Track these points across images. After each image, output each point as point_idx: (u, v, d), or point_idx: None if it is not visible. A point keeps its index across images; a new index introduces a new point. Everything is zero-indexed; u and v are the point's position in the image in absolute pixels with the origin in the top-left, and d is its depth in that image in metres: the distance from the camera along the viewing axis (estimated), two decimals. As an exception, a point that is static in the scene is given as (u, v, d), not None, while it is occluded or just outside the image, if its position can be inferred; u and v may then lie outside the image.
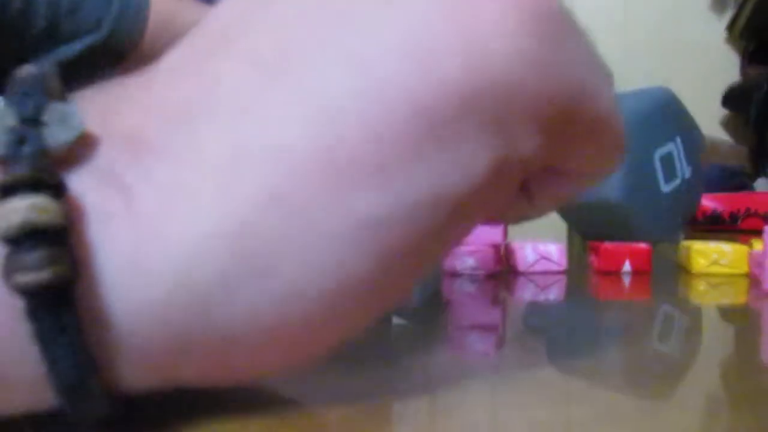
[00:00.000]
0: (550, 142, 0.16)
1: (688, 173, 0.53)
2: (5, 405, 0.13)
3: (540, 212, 0.20)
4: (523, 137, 0.15)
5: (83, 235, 0.12)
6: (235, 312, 0.13)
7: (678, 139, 0.53)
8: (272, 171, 0.13)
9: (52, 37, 0.51)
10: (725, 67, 1.61)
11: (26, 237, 0.12)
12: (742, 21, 1.49)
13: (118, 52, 0.54)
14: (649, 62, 1.55)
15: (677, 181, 0.53)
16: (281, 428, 0.14)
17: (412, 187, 0.13)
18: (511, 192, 0.16)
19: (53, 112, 0.13)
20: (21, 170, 0.12)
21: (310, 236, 0.13)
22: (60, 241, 0.12)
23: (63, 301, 0.12)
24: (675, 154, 0.52)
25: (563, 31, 0.15)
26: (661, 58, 1.59)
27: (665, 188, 0.52)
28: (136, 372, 0.13)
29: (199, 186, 0.13)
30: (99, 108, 0.14)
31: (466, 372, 0.19)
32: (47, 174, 0.12)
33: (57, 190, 0.12)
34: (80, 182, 0.12)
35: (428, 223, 0.14)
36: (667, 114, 0.53)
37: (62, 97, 0.14)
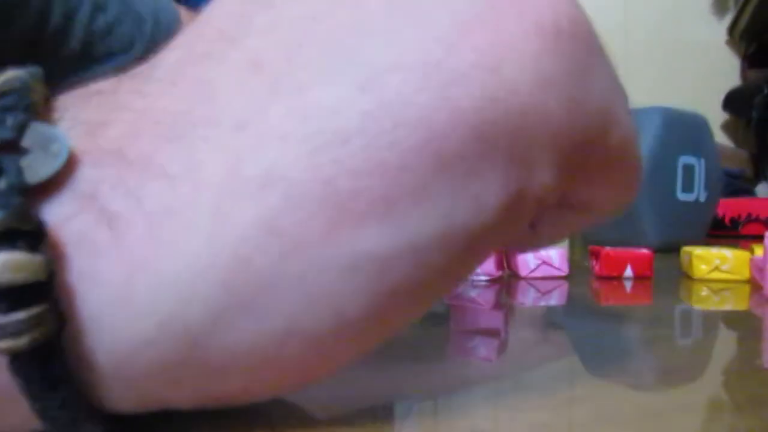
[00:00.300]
0: (567, 175, 0.14)
1: (703, 197, 0.55)
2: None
3: (546, 244, 0.19)
4: (540, 171, 0.14)
5: (66, 272, 0.11)
6: (227, 346, 0.12)
7: (702, 161, 0.55)
8: (269, 200, 0.12)
9: (85, 58, 0.51)
10: (726, 70, 1.61)
11: (1, 299, 0.11)
12: (742, 24, 1.49)
13: None
14: (649, 65, 1.55)
15: (692, 197, 0.54)
16: (282, 430, 0.14)
17: (419, 224, 0.12)
18: (523, 227, 0.15)
19: (35, 134, 0.12)
20: None
21: (309, 272, 0.12)
22: (40, 298, 0.11)
23: (49, 355, 0.11)
24: (696, 170, 0.55)
25: (588, 56, 0.14)
26: (661, 60, 1.59)
27: (681, 196, 0.54)
28: (125, 399, 0.12)
29: (193, 214, 0.12)
30: (87, 115, 0.13)
31: (468, 375, 0.19)
32: (23, 219, 0.11)
33: (35, 236, 0.11)
34: (61, 209, 0.12)
35: (435, 260, 0.13)
36: (699, 134, 0.56)
37: (46, 111, 0.13)
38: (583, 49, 0.14)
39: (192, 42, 0.14)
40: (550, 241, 0.19)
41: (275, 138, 0.12)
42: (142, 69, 0.14)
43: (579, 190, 0.16)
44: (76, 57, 0.50)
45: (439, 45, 0.13)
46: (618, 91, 0.15)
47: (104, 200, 0.12)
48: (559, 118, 0.14)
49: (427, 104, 0.12)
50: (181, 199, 0.12)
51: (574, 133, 0.14)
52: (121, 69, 0.14)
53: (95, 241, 0.11)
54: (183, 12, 0.60)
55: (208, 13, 0.15)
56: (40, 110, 0.13)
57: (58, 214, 0.12)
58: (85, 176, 0.12)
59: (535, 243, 0.19)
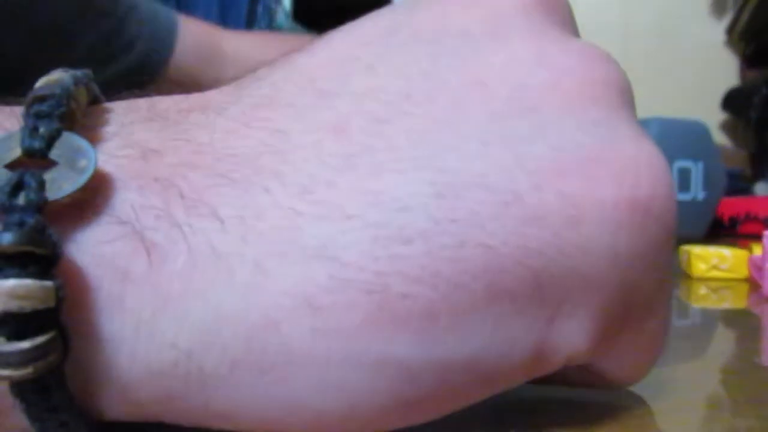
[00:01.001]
0: (599, 344, 0.14)
1: (701, 196, 0.58)
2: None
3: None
4: (578, 334, 0.13)
5: (91, 293, 0.11)
6: (235, 398, 0.12)
7: (700, 164, 0.58)
8: (315, 274, 0.11)
9: (89, 62, 0.53)
10: (725, 69, 1.61)
11: (5, 326, 0.10)
12: (741, 24, 1.49)
13: (150, 72, 0.57)
14: (648, 65, 1.55)
15: (689, 196, 0.57)
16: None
17: (453, 346, 0.12)
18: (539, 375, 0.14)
19: (65, 146, 0.11)
20: (6, 237, 0.10)
21: (333, 358, 0.12)
22: (46, 325, 0.10)
23: (52, 383, 0.11)
24: (693, 172, 0.58)
25: (663, 243, 0.14)
26: (660, 60, 1.59)
27: (677, 195, 0.56)
28: (124, 413, 0.12)
29: (235, 262, 0.11)
30: (144, 138, 0.12)
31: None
32: (38, 242, 0.10)
33: (49, 259, 0.10)
34: (95, 231, 0.11)
35: (457, 383, 0.13)
36: (696, 139, 0.59)
37: (95, 123, 0.12)
38: (661, 234, 0.13)
39: (278, 86, 0.14)
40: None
41: (340, 215, 0.12)
42: (217, 101, 0.13)
43: (598, 360, 0.15)
44: (81, 62, 0.52)
45: (528, 177, 0.12)
46: (669, 280, 0.15)
47: (146, 229, 0.11)
48: (612, 292, 0.13)
49: (497, 233, 0.12)
50: (226, 245, 0.11)
51: (620, 309, 0.14)
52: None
53: (129, 268, 0.11)
54: (192, 22, 0.61)
55: (305, 57, 0.14)
56: (79, 120, 0.12)
57: (91, 237, 0.11)
58: (128, 201, 0.12)
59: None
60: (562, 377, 0.15)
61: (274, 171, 0.12)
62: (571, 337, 0.13)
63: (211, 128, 0.13)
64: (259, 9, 1.34)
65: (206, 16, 1.25)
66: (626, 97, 0.14)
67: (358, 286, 0.11)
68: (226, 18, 1.28)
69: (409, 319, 0.12)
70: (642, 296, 0.14)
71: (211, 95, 0.14)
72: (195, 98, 0.14)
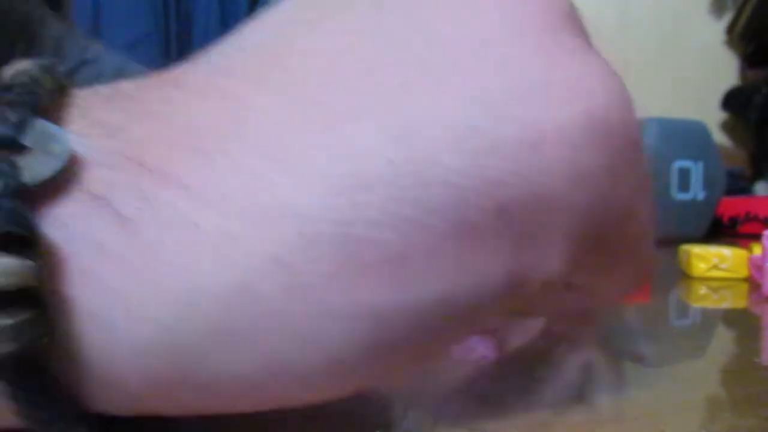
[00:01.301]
0: (577, 263, 0.14)
1: (701, 196, 0.59)
2: None
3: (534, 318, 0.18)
4: (551, 257, 0.13)
5: (67, 270, 0.11)
6: (219, 369, 0.12)
7: (700, 164, 0.59)
8: (282, 233, 0.12)
9: None
10: (725, 69, 1.61)
11: None
12: (741, 23, 1.49)
13: None
14: (647, 64, 1.55)
15: (689, 195, 0.57)
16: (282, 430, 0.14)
17: (424, 286, 0.12)
18: (521, 306, 0.14)
19: (37, 132, 0.12)
20: None
21: (310, 312, 0.12)
22: (29, 304, 0.11)
23: (36, 364, 0.11)
24: (693, 171, 0.59)
25: (626, 153, 0.14)
26: (660, 60, 1.59)
27: (677, 195, 0.57)
28: (115, 403, 0.12)
29: (206, 231, 0.11)
30: (108, 118, 0.13)
31: (466, 374, 0.19)
32: (17, 224, 0.11)
33: (28, 240, 0.11)
34: (68, 208, 0.11)
35: (433, 324, 0.13)
36: (695, 139, 0.61)
37: (61, 108, 0.13)
38: (624, 145, 0.13)
39: (228, 54, 0.14)
40: (539, 316, 0.18)
41: (298, 170, 0.12)
42: (174, 77, 0.14)
43: (584, 276, 0.15)
44: None
45: (483, 109, 0.12)
46: (644, 184, 0.15)
47: (117, 203, 0.11)
48: (582, 210, 0.13)
49: (457, 168, 0.12)
50: (193, 212, 0.12)
51: (593, 225, 0.13)
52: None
53: (103, 242, 0.11)
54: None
55: (249, 28, 0.14)
56: (48, 107, 0.12)
57: (64, 213, 0.11)
58: (99, 178, 0.12)
59: (524, 317, 0.18)
60: (552, 309, 0.15)
61: (233, 136, 0.12)
62: (543, 260, 0.13)
63: (169, 101, 0.13)
64: (259, 9, 1.34)
65: (206, 16, 1.25)
66: (571, 18, 0.14)
67: (324, 239, 0.12)
68: (226, 18, 1.28)
69: (377, 265, 0.12)
70: (615, 209, 0.14)
71: (166, 73, 0.14)
72: (152, 77, 0.14)
